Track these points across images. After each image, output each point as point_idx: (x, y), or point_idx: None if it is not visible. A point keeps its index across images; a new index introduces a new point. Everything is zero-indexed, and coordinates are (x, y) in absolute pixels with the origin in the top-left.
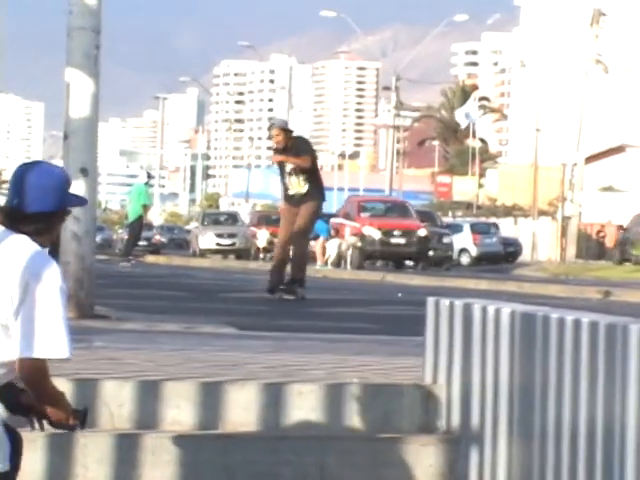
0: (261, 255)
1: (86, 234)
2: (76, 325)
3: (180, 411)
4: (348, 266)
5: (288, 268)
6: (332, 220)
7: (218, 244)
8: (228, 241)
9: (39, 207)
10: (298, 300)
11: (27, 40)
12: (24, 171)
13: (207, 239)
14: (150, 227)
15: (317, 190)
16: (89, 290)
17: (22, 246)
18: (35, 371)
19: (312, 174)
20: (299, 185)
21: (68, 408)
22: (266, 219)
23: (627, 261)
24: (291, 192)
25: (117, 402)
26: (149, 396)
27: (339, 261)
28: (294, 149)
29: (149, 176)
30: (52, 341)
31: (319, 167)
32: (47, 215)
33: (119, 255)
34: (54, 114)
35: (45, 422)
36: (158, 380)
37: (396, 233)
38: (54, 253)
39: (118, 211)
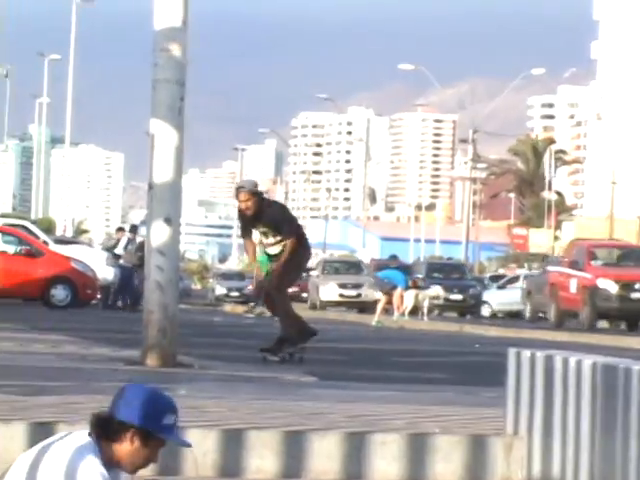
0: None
1: (169, 283)
2: (160, 373)
3: (263, 460)
4: (425, 317)
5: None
6: (550, 268)
7: (341, 295)
8: (353, 292)
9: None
10: (285, 360)
11: (107, 92)
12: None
13: (329, 290)
14: (241, 277)
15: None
16: (172, 339)
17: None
18: None
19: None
20: (276, 246)
21: None
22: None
23: None
24: (271, 252)
25: (201, 450)
26: (233, 444)
27: (416, 311)
28: (267, 217)
29: None
30: None
31: (305, 235)
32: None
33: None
34: (133, 165)
35: None
36: (241, 429)
37: (638, 287)
38: None
39: (196, 260)
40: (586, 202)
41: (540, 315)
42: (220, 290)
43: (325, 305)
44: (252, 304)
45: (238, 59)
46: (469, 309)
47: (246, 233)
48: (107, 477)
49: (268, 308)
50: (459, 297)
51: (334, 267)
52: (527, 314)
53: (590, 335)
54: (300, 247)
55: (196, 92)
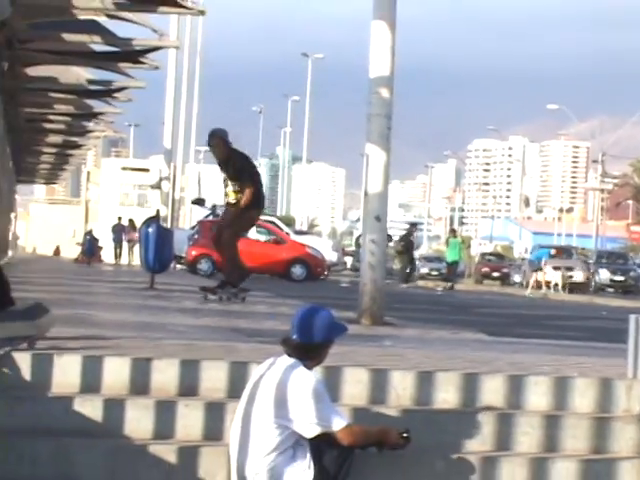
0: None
1: (378, 264)
2: (371, 330)
3: (447, 394)
4: (564, 290)
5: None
6: None
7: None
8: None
9: (311, 339)
10: (222, 300)
11: (333, 123)
12: (304, 313)
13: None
14: (440, 260)
15: (254, 201)
16: (380, 304)
17: (295, 368)
18: (348, 436)
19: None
20: (235, 196)
21: (391, 435)
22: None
23: None
24: (231, 201)
25: (402, 386)
26: (425, 382)
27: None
28: (233, 163)
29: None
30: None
31: (261, 183)
32: (316, 345)
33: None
34: (352, 177)
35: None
36: (432, 371)
37: None
38: None
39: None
40: None
41: None
42: (424, 269)
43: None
44: (448, 283)
45: (429, 98)
46: (629, 288)
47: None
48: (321, 382)
49: (217, 250)
50: (621, 278)
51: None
52: None
53: None
54: (255, 199)
55: (399, 122)
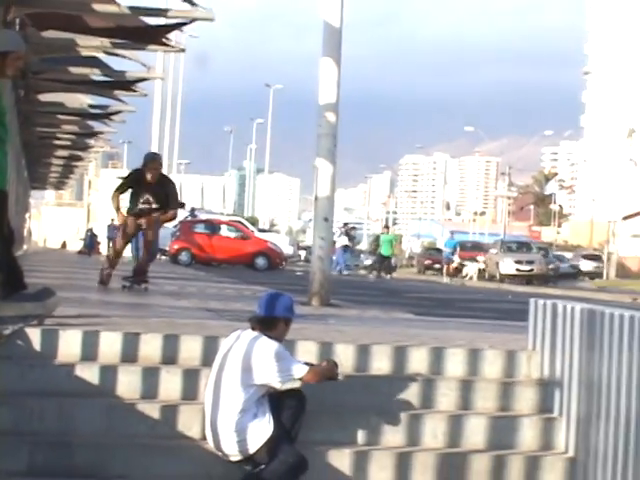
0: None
1: (326, 256)
2: (319, 310)
3: (381, 363)
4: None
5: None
6: None
7: (518, 270)
8: (527, 267)
9: (272, 313)
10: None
11: (290, 140)
12: (270, 294)
13: (507, 265)
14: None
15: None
16: (327, 289)
17: (259, 338)
18: (312, 377)
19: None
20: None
21: (334, 369)
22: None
23: None
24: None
25: (344, 357)
26: (363, 354)
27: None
28: (160, 185)
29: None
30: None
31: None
32: (277, 319)
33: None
34: (305, 185)
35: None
36: (368, 344)
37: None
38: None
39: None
40: (577, 211)
41: None
42: (367, 262)
43: (503, 278)
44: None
45: (369, 122)
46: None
47: (123, 191)
48: (281, 345)
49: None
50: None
51: (509, 247)
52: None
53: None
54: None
55: (344, 140)
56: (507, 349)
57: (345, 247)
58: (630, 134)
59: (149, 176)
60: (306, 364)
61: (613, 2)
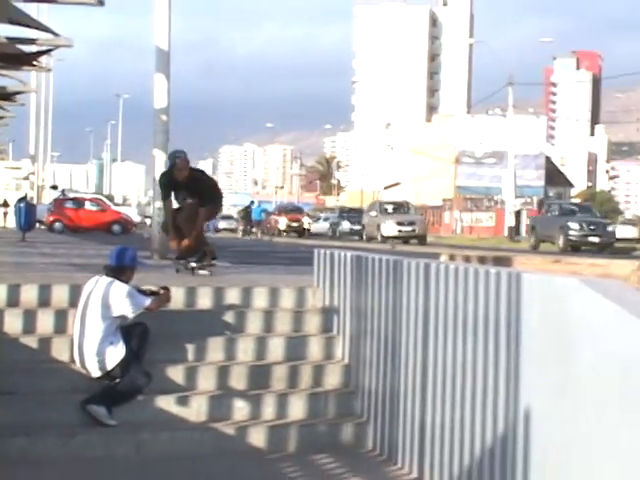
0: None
1: (161, 222)
2: (159, 262)
3: (205, 300)
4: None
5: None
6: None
7: (400, 231)
8: (409, 228)
9: (122, 263)
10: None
11: (136, 136)
12: (119, 248)
13: (389, 227)
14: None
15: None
16: (162, 246)
17: (113, 282)
18: (155, 307)
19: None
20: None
21: (167, 295)
22: (285, 209)
23: None
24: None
25: (177, 296)
26: (191, 294)
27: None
28: (194, 181)
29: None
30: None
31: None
32: (125, 267)
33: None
34: (148, 169)
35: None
36: (195, 286)
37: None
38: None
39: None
40: (350, 184)
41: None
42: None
43: (385, 240)
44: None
45: (196, 121)
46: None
47: (167, 194)
48: (129, 285)
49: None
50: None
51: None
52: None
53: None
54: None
55: (174, 135)
56: (298, 286)
57: None
58: (387, 126)
59: (179, 177)
60: (152, 293)
61: (375, 28)
